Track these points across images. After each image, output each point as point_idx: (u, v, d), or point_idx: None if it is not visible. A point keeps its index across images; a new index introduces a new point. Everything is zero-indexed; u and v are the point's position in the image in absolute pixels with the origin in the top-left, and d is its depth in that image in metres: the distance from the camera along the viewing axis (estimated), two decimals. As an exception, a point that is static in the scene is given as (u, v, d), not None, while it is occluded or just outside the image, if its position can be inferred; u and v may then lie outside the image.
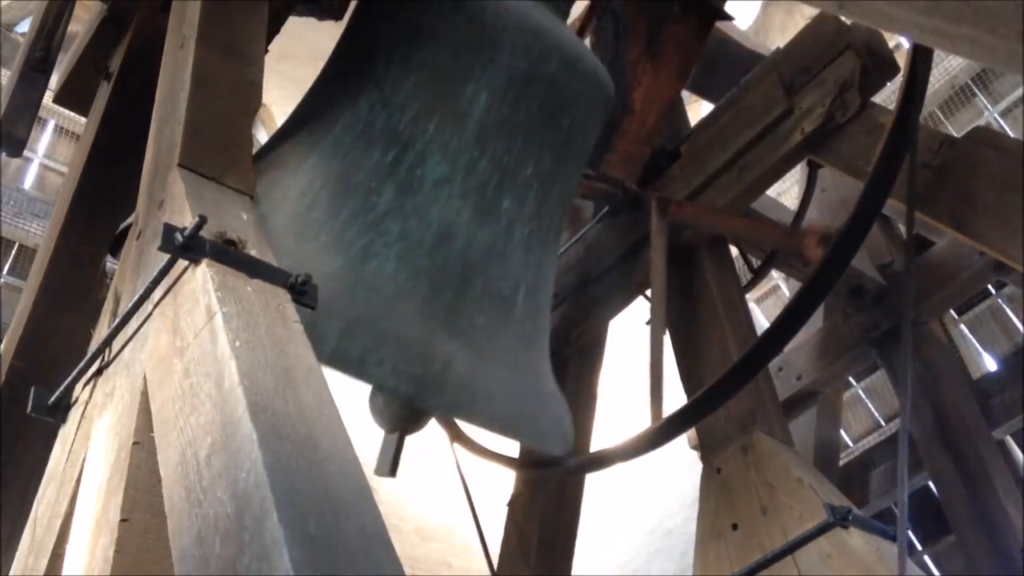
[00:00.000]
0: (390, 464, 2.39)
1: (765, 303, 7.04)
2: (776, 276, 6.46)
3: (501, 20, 2.45)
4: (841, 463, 4.68)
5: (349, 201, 2.29)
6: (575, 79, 2.54)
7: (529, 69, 2.44)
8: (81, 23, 3.17)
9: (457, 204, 2.35)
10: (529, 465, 3.46)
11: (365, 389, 2.47)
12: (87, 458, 1.67)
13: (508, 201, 2.42)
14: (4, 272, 7.59)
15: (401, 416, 2.40)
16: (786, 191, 6.13)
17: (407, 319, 2.22)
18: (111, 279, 2.79)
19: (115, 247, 2.66)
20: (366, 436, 2.34)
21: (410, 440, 2.91)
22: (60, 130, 8.61)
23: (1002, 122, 6.26)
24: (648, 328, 3.15)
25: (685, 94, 4.04)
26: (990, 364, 5.36)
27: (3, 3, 9.33)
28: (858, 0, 0.75)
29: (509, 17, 2.46)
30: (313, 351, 1.55)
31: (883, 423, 5.61)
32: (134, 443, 1.51)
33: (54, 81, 3.19)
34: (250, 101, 2.12)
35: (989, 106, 6.35)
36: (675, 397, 3.01)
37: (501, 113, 2.40)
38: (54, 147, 8.65)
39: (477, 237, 2.36)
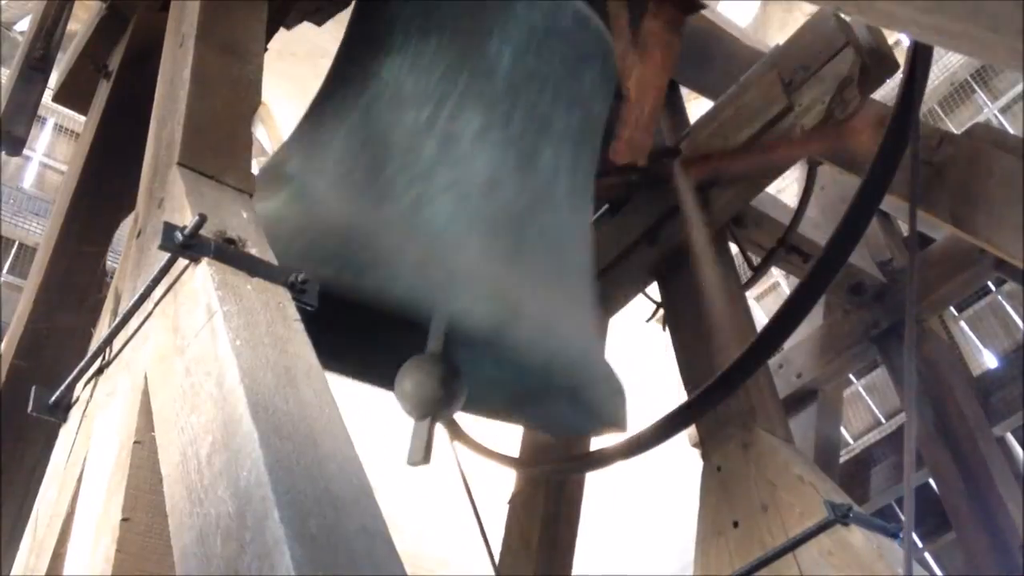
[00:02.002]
0: (423, 451, 2.28)
1: (765, 300, 7.04)
2: (776, 273, 6.46)
3: None
4: (841, 460, 4.68)
5: (391, 159, 2.30)
6: (588, 36, 2.59)
7: (545, 23, 2.48)
8: (80, 22, 3.17)
9: (500, 154, 2.36)
10: (529, 464, 3.47)
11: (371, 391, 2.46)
12: (88, 457, 1.67)
13: (547, 152, 2.44)
14: (4, 271, 7.59)
15: (433, 399, 2.31)
16: (785, 188, 6.13)
17: (472, 261, 2.20)
18: (111, 277, 2.80)
19: None
20: (370, 433, 2.32)
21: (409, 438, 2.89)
22: (59, 128, 8.61)
23: (1002, 119, 6.25)
24: (648, 328, 3.15)
25: (685, 91, 4.04)
26: (990, 361, 5.36)
27: (3, 2, 9.32)
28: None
29: None
30: (382, 296, 1.50)
31: (883, 420, 5.61)
32: (135, 442, 1.51)
33: (53, 80, 3.20)
34: (250, 99, 2.12)
35: (989, 103, 6.35)
36: (675, 395, 3.02)
37: (527, 66, 2.44)
38: (53, 146, 8.64)
39: (525, 185, 2.37)
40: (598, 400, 2.38)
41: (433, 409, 2.31)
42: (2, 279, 7.61)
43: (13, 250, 7.75)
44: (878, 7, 0.74)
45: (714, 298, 3.08)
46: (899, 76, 2.76)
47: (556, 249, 2.37)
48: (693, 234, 3.10)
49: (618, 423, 2.44)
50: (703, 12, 4.11)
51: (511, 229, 2.29)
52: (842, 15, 3.03)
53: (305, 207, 2.26)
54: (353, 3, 2.73)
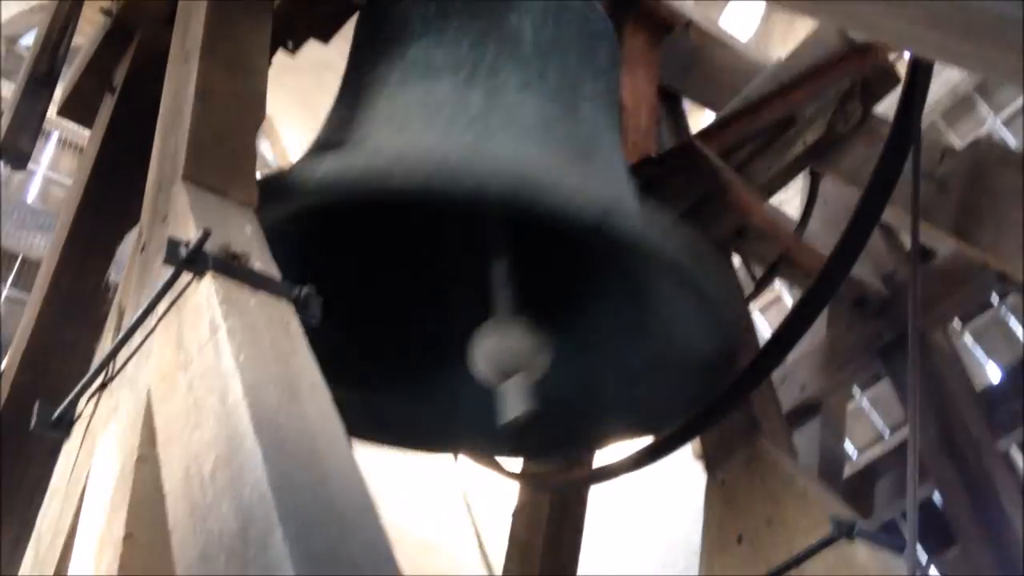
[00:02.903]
0: (520, 403, 2.12)
1: (768, 312, 7.03)
2: (779, 286, 6.45)
3: None
4: (845, 474, 4.66)
5: (442, 108, 2.34)
6: (596, 16, 2.68)
7: (557, 2, 2.56)
8: (85, 36, 3.18)
9: (545, 103, 2.41)
10: (532, 477, 3.46)
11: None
12: (91, 474, 1.66)
13: (586, 106, 2.51)
14: (7, 285, 7.59)
15: (520, 352, 2.22)
16: (788, 200, 6.13)
17: (555, 170, 2.23)
18: (114, 292, 2.80)
19: None
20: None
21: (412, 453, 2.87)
22: (63, 142, 8.64)
23: (1004, 131, 6.26)
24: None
25: (687, 103, 4.05)
26: (994, 374, 5.34)
27: (7, 16, 9.36)
28: (860, 14, 0.75)
29: None
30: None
31: (887, 434, 5.59)
32: (138, 458, 1.51)
33: (57, 93, 3.21)
34: (254, 114, 2.13)
35: (991, 115, 6.35)
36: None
37: (549, 34, 2.51)
38: (57, 160, 8.67)
39: (575, 131, 2.43)
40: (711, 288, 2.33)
41: (523, 363, 2.21)
42: (5, 293, 7.62)
43: (16, 264, 7.77)
44: (881, 25, 0.74)
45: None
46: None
47: (618, 187, 2.41)
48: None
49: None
50: (706, 26, 4.13)
51: (577, 162, 2.33)
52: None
53: (374, 148, 2.30)
54: (358, 12, 2.73)
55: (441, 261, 2.72)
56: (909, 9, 0.66)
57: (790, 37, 7.55)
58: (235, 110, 2.10)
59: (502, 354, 2.23)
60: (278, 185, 2.17)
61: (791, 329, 2.68)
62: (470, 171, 2.10)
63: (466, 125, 2.29)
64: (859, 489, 4.65)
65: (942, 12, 0.63)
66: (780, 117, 3.31)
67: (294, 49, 2.66)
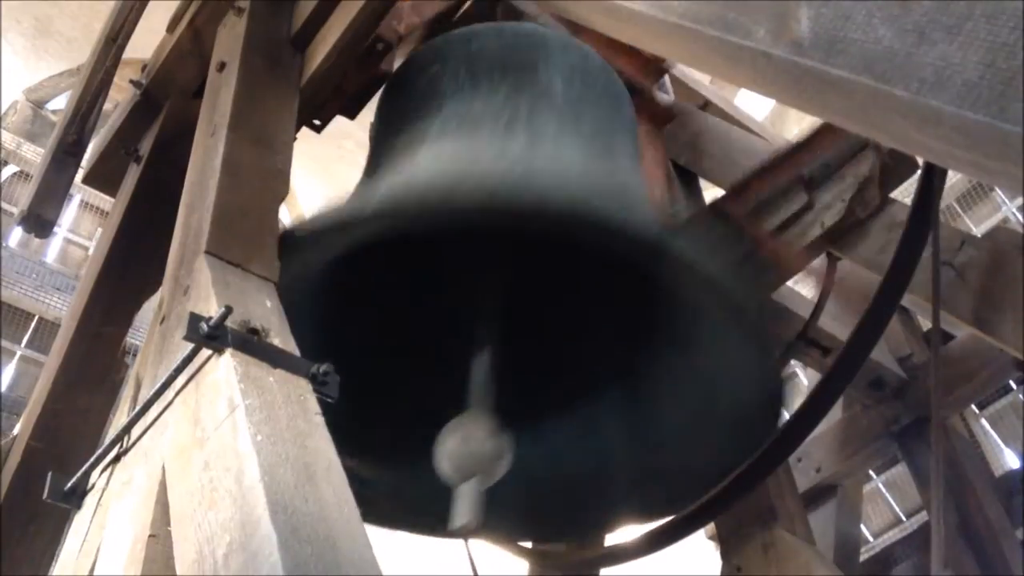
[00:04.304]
0: (471, 514, 2.04)
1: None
2: (794, 363, 6.42)
3: (538, 31, 2.73)
4: (861, 559, 4.57)
5: (488, 150, 2.35)
6: (614, 80, 2.74)
7: (580, 63, 2.64)
8: (112, 102, 3.24)
9: (584, 146, 2.44)
10: (543, 556, 3.40)
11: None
12: (102, 548, 1.64)
13: (622, 153, 2.57)
14: (23, 345, 7.62)
15: (479, 455, 2.14)
16: (802, 279, 6.13)
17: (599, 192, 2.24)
18: (131, 355, 2.80)
19: None
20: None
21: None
22: (85, 205, 8.75)
23: (1020, 216, 6.27)
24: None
25: (703, 181, 4.08)
26: (1012, 460, 5.27)
27: (35, 81, 9.57)
28: (892, 129, 0.76)
29: (539, 31, 2.74)
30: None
31: (904, 518, 5.50)
32: (150, 536, 1.49)
33: (83, 161, 3.26)
34: (278, 189, 2.16)
35: (1007, 200, 6.38)
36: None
37: (577, 90, 2.57)
38: (78, 221, 8.78)
39: (614, 172, 2.47)
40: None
41: (480, 467, 2.14)
42: (20, 352, 7.64)
43: (33, 324, 7.81)
44: (914, 138, 0.75)
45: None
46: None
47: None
48: None
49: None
50: (721, 105, 4.19)
51: (622, 196, 2.34)
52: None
53: (428, 174, 2.28)
54: (383, 88, 2.77)
55: (443, 336, 2.71)
56: (944, 129, 0.67)
57: (805, 117, 7.64)
58: (259, 185, 2.13)
59: (462, 456, 2.16)
60: (315, 228, 2.14)
61: (810, 412, 2.66)
62: (530, 186, 2.09)
63: (514, 161, 2.31)
64: (876, 573, 4.55)
65: (980, 132, 0.63)
66: (792, 178, 3.31)
67: (320, 128, 2.69)
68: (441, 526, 2.22)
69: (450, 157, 2.33)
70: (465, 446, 2.16)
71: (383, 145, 2.57)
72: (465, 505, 2.09)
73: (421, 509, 2.55)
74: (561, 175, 2.25)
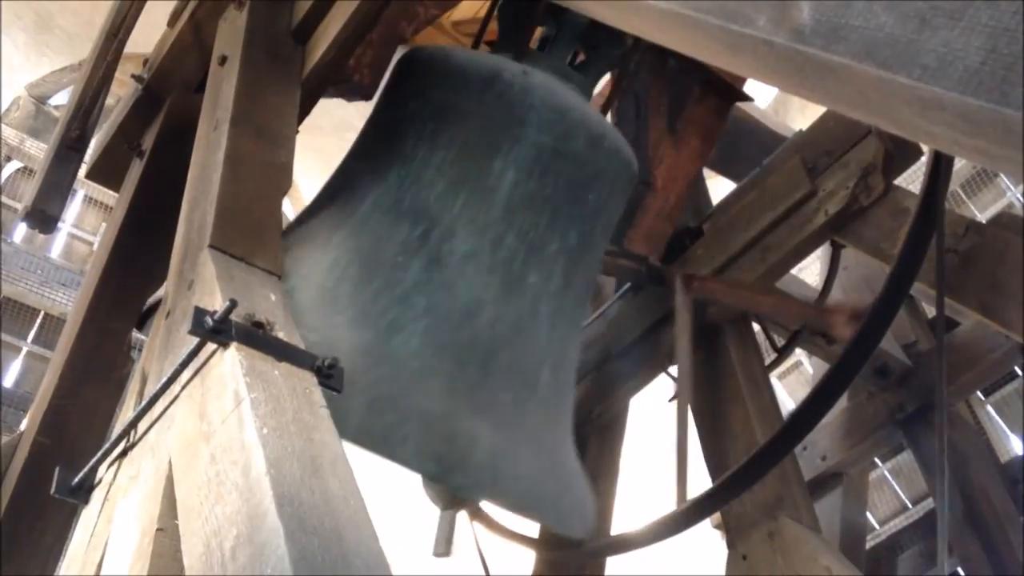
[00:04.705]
0: (445, 543, 2.31)
1: (787, 379, 6.98)
2: (798, 352, 6.41)
3: (529, 98, 2.49)
4: (868, 546, 4.58)
5: (377, 276, 2.31)
6: (600, 155, 2.58)
7: (556, 145, 2.48)
8: (114, 97, 3.25)
9: (484, 279, 2.36)
10: (549, 546, 3.41)
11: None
12: (109, 542, 1.65)
13: (534, 276, 2.43)
14: (29, 340, 7.64)
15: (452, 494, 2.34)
16: (807, 267, 6.12)
17: (432, 395, 2.21)
18: (136, 349, 2.81)
19: (141, 322, 2.67)
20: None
21: (428, 518, 2.85)
22: (89, 200, 8.76)
23: (1024, 201, 6.26)
24: (672, 406, 3.12)
25: (704, 169, 4.07)
26: (1017, 446, 5.27)
27: (37, 76, 9.57)
28: (898, 117, 0.76)
29: (536, 95, 2.50)
30: (337, 430, 1.55)
31: (910, 505, 5.50)
32: (158, 529, 1.50)
33: (86, 156, 3.26)
34: (281, 183, 2.16)
35: (1011, 187, 6.35)
36: (699, 477, 2.97)
37: (528, 189, 2.44)
38: (83, 216, 8.79)
39: (503, 313, 2.36)
40: (562, 520, 2.41)
41: (454, 503, 2.28)
42: (27, 348, 7.65)
43: (39, 320, 7.82)
44: (917, 124, 0.74)
45: (739, 383, 3.07)
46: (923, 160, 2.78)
47: (526, 375, 2.38)
48: (678, 349, 3.12)
49: (585, 532, 2.46)
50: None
51: (480, 360, 2.29)
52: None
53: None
54: (380, 91, 2.77)
55: None
56: (947, 115, 0.67)
57: (808, 105, 7.61)
58: (262, 178, 2.13)
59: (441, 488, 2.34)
60: None
61: (815, 404, 2.66)
62: (354, 397, 1.99)
63: (387, 305, 2.26)
64: (882, 562, 4.56)
65: (983, 118, 0.63)
66: (750, 307, 3.36)
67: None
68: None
69: (333, 296, 2.29)
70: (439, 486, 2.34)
71: (341, 173, 2.62)
72: (443, 534, 2.24)
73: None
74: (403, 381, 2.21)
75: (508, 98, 2.48)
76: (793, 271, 4.37)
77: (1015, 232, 2.68)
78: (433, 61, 2.61)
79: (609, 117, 3.65)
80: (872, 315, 2.57)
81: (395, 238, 2.35)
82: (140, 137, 3.04)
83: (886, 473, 5.60)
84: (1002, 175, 6.29)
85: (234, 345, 1.61)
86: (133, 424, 1.80)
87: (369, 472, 2.04)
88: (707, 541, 4.98)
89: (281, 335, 1.71)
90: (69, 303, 7.52)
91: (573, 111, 2.54)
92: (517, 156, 2.43)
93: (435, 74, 2.57)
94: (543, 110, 2.48)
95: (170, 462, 1.58)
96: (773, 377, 5.61)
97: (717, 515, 3.14)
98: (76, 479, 1.88)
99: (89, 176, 3.22)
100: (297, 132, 2.40)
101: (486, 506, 3.55)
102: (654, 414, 4.37)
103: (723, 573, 2.98)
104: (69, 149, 2.97)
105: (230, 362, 1.58)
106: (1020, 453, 5.00)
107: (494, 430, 2.24)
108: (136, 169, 2.98)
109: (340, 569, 1.20)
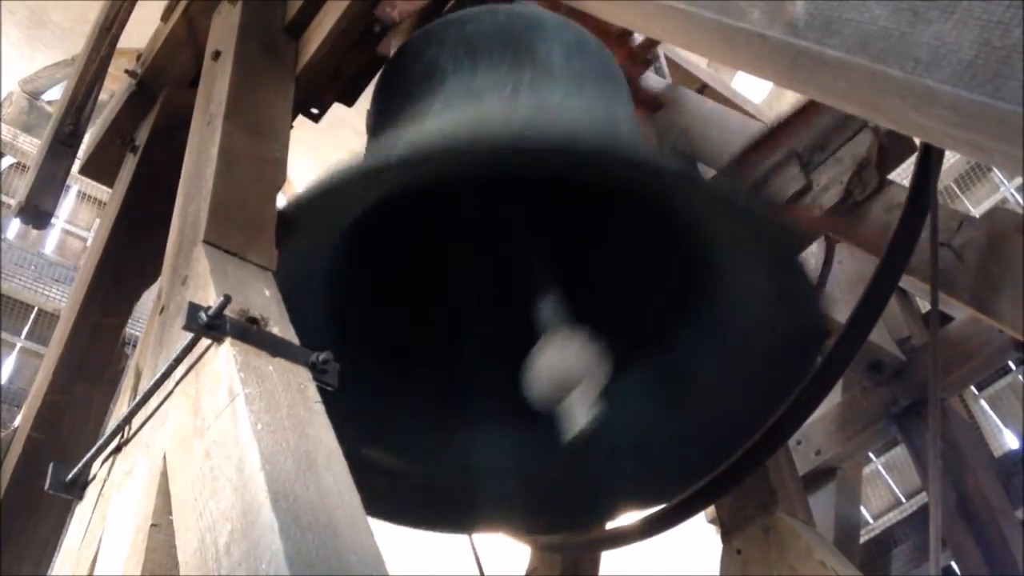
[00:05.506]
0: (587, 411, 1.93)
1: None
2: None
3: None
4: (862, 540, 4.59)
5: (496, 112, 2.35)
6: (611, 60, 2.76)
7: (577, 41, 2.64)
8: (108, 92, 3.23)
9: (592, 109, 2.49)
10: (544, 540, 3.41)
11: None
12: (103, 538, 1.65)
13: (624, 119, 2.62)
14: (23, 337, 7.62)
15: (580, 363, 2.03)
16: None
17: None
18: (130, 345, 2.81)
19: None
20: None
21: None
22: (82, 195, 8.74)
23: (1018, 196, 6.27)
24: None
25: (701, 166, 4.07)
26: (1011, 440, 5.29)
27: (30, 72, 9.54)
28: (887, 109, 0.76)
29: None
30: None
31: (904, 500, 5.52)
32: (152, 525, 1.50)
33: (80, 151, 3.25)
34: (275, 178, 2.15)
35: (1005, 181, 6.37)
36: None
37: (578, 64, 2.58)
38: (76, 212, 8.77)
39: (617, 119, 2.52)
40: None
41: (581, 376, 2.02)
42: (20, 344, 7.64)
43: (32, 315, 7.80)
44: (910, 118, 0.74)
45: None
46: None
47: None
48: None
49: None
50: (718, 88, 4.17)
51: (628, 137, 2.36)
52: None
53: (447, 120, 2.31)
54: (380, 74, 2.76)
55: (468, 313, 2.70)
56: (940, 108, 0.67)
57: (801, 99, 7.61)
58: (256, 174, 2.12)
59: (562, 367, 2.04)
60: (331, 186, 2.07)
61: (810, 395, 2.66)
62: (547, 125, 2.07)
63: (526, 109, 2.34)
64: (876, 556, 4.57)
65: (976, 112, 0.63)
66: (786, 153, 3.25)
67: (318, 117, 2.68)
68: (469, 521, 2.22)
69: (461, 117, 2.35)
70: (564, 356, 2.06)
71: (384, 126, 2.54)
72: (580, 408, 1.98)
73: (451, 501, 2.55)
74: (573, 119, 2.28)
75: (515, 12, 2.66)
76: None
77: (1011, 227, 2.69)
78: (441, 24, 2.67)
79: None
80: (860, 307, 2.58)
81: (490, 100, 2.38)
82: (134, 132, 3.03)
83: (880, 468, 5.62)
84: (996, 170, 6.31)
85: (228, 340, 1.61)
86: (127, 420, 1.79)
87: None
88: (701, 536, 4.98)
89: (275, 330, 1.71)
90: (63, 299, 7.51)
91: (574, 25, 2.70)
92: (552, 45, 2.54)
93: (446, 26, 2.63)
94: (548, 18, 2.67)
95: (164, 458, 1.58)
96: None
97: (712, 510, 3.14)
98: (70, 475, 1.87)
99: (83, 172, 3.21)
100: (292, 127, 2.40)
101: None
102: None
103: (718, 568, 2.99)
104: (62, 145, 2.97)
105: (224, 358, 1.58)
106: (1014, 447, 5.01)
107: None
108: (130, 164, 2.97)
109: (335, 565, 1.20)
